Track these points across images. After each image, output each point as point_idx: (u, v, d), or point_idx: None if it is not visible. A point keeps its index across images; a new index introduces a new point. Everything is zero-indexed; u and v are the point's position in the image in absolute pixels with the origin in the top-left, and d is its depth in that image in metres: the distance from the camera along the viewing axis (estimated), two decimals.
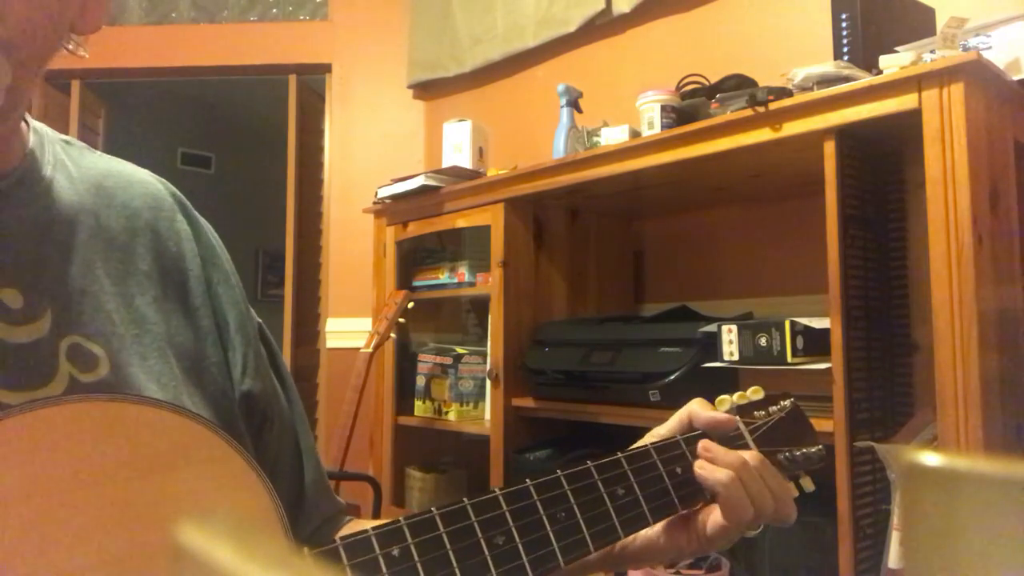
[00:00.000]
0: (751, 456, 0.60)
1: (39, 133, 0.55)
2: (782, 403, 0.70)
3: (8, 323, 0.46)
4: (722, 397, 0.68)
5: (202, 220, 0.63)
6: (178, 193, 0.63)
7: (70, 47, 0.51)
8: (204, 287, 0.59)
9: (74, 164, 0.56)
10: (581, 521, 0.52)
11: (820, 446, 0.68)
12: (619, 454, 0.57)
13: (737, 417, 0.66)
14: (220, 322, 0.59)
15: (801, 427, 0.69)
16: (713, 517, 0.60)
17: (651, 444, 0.60)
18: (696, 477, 0.59)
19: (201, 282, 0.59)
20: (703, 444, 0.61)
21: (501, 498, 0.49)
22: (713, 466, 0.59)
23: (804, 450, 0.67)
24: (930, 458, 0.16)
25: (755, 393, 0.70)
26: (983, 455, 0.15)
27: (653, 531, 0.61)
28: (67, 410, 0.40)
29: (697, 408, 0.65)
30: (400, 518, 0.46)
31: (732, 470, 0.59)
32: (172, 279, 0.57)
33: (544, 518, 0.50)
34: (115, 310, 0.52)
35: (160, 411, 0.42)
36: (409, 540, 0.45)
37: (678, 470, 0.59)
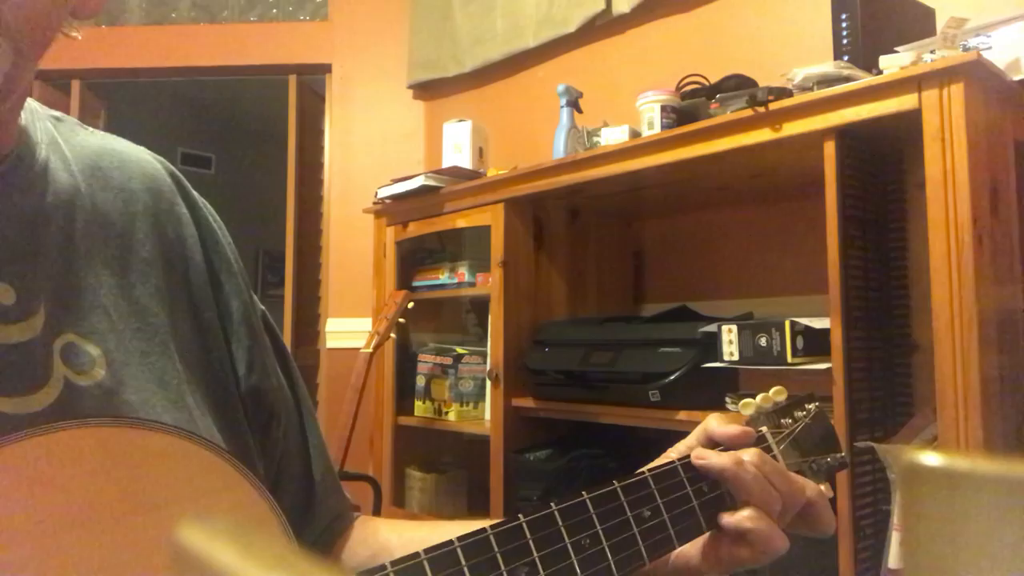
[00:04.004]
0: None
1: (28, 109, 0.51)
2: (807, 407, 0.67)
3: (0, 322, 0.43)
4: (746, 400, 0.65)
5: (201, 201, 0.60)
6: (176, 172, 0.60)
7: (65, 31, 0.48)
8: (206, 277, 0.56)
9: (66, 143, 0.53)
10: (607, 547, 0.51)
11: (843, 452, 0.66)
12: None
13: (764, 429, 0.64)
14: (223, 313, 0.57)
15: (826, 432, 0.67)
16: (738, 517, 0.56)
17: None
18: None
19: (203, 272, 0.56)
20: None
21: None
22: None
23: (830, 457, 0.65)
24: (930, 458, 0.16)
25: (778, 394, 0.66)
26: (983, 455, 0.15)
27: (691, 550, 0.58)
28: (63, 438, 0.37)
29: (714, 424, 0.61)
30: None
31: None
32: (174, 267, 0.55)
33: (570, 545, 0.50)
34: (113, 304, 0.49)
35: (162, 435, 0.40)
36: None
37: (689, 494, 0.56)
